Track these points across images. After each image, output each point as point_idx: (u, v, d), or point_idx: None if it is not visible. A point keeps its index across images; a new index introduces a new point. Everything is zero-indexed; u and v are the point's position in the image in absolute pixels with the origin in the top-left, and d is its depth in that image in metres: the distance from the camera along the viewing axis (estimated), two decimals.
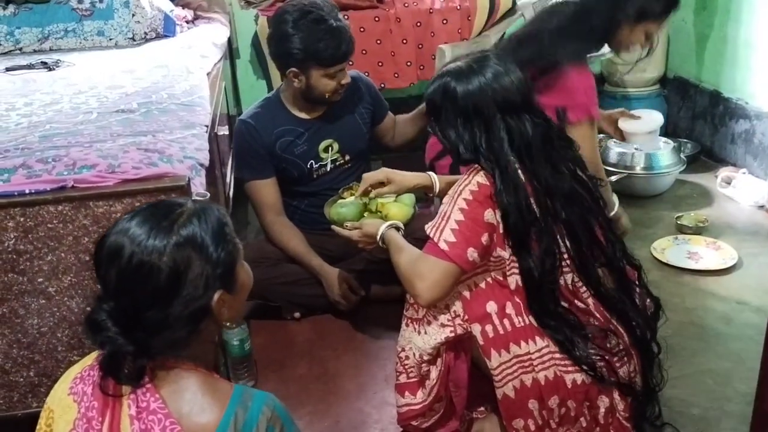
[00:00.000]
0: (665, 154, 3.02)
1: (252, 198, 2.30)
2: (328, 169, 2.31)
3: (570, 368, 1.47)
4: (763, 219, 2.76)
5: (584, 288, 1.52)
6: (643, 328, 1.54)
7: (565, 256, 1.49)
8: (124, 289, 1.01)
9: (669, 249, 2.54)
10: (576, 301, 1.50)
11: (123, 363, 1.02)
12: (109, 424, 1.01)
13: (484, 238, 1.45)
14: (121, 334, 1.00)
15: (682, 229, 2.69)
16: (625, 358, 1.51)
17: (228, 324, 1.12)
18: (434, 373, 1.56)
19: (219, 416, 1.01)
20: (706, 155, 3.37)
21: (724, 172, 3.06)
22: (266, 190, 2.27)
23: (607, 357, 1.48)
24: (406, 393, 1.61)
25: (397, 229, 1.68)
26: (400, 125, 2.46)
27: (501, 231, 1.46)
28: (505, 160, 1.45)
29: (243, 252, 1.13)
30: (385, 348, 2.05)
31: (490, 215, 1.45)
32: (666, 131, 3.54)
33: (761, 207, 2.81)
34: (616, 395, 1.50)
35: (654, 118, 2.53)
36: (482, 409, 1.68)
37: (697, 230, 2.66)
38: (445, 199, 1.53)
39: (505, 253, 1.47)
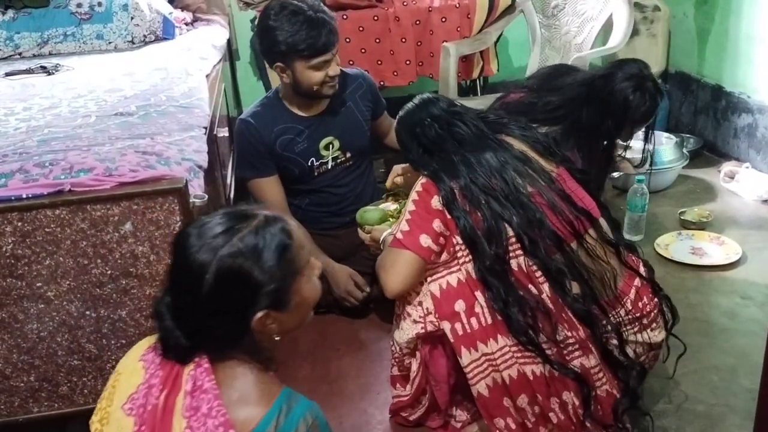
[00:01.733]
0: (668, 149, 3.00)
1: (255, 197, 2.30)
2: (329, 166, 2.30)
3: (528, 359, 1.48)
4: (766, 213, 2.74)
5: (539, 273, 1.51)
6: (586, 307, 1.50)
7: (512, 240, 1.49)
8: (178, 283, 1.08)
9: (672, 245, 2.52)
10: (530, 285, 1.50)
11: (180, 349, 1.07)
12: (167, 394, 1.05)
13: (436, 224, 1.52)
14: (177, 327, 1.07)
15: (685, 225, 2.67)
16: (578, 353, 1.50)
17: (278, 338, 1.13)
18: (415, 366, 1.64)
19: (263, 412, 1.04)
20: (709, 150, 3.35)
21: (727, 166, 3.05)
22: (269, 188, 2.27)
23: (555, 348, 1.48)
24: (397, 385, 1.70)
25: None
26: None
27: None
28: (442, 155, 1.58)
29: (315, 266, 1.17)
30: (388, 349, 2.02)
31: (437, 201, 1.52)
32: (668, 126, 3.53)
33: (765, 201, 2.80)
34: (572, 391, 1.49)
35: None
36: (466, 418, 1.69)
37: (701, 225, 2.64)
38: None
39: (460, 239, 1.52)
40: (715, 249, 2.48)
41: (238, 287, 1.05)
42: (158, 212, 1.42)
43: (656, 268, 1.78)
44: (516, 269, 1.49)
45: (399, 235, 1.55)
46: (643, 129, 2.24)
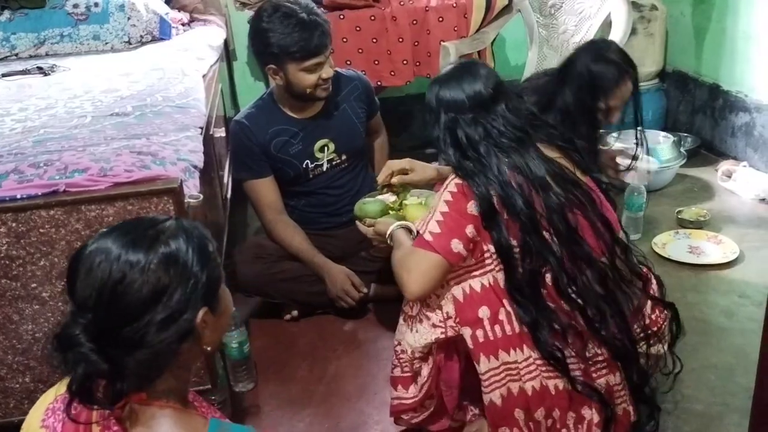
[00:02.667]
0: (665, 148, 3.01)
1: (251, 198, 2.30)
2: (324, 168, 2.30)
3: (552, 374, 1.45)
4: (764, 212, 2.74)
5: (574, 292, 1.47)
6: (623, 344, 1.47)
7: (550, 246, 1.44)
8: (102, 304, 0.96)
9: (670, 244, 2.52)
10: (562, 302, 1.46)
11: (95, 385, 0.96)
12: None
13: (469, 230, 1.44)
14: (96, 351, 0.94)
15: (683, 224, 2.67)
16: (605, 370, 1.47)
17: (208, 349, 1.08)
18: (425, 371, 1.56)
19: None
20: (707, 149, 3.35)
21: (725, 165, 3.04)
22: (265, 189, 2.26)
23: (582, 365, 1.45)
24: (399, 386, 1.62)
25: (409, 230, 1.67)
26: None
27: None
28: (480, 152, 1.48)
29: (224, 276, 1.10)
30: (386, 348, 2.04)
31: (473, 207, 1.45)
32: (666, 125, 3.53)
33: (762, 200, 2.80)
34: (593, 408, 1.47)
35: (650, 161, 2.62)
36: (474, 412, 1.66)
37: (698, 224, 2.64)
38: (436, 196, 1.55)
39: (492, 247, 1.46)
40: (712, 248, 2.48)
41: (179, 290, 0.99)
42: (153, 212, 1.42)
43: (654, 268, 1.78)
44: (550, 284, 1.45)
45: (428, 237, 1.45)
46: (634, 125, 2.24)
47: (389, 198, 1.92)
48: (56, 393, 1.06)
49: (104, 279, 0.96)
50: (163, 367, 1.00)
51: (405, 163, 1.91)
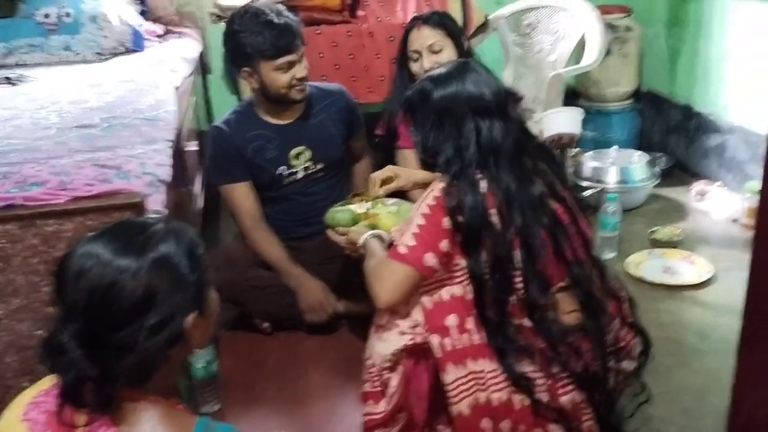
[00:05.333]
0: (639, 167, 3.01)
1: (229, 203, 2.28)
2: (299, 176, 2.28)
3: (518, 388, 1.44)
4: (737, 232, 2.75)
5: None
6: (592, 374, 1.46)
7: (519, 269, 1.45)
8: (93, 309, 0.96)
9: (644, 263, 2.52)
10: (525, 320, 1.46)
11: (84, 390, 0.96)
12: None
13: (443, 244, 1.45)
14: (86, 357, 0.94)
15: (656, 243, 2.67)
16: (571, 386, 1.46)
17: (197, 350, 1.08)
18: (394, 381, 1.54)
19: None
20: (680, 169, 3.37)
21: (698, 185, 3.06)
22: (243, 194, 2.25)
23: (549, 381, 1.44)
24: (369, 401, 1.60)
25: (382, 239, 1.66)
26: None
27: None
28: (468, 159, 1.47)
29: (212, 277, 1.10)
30: (357, 368, 1.96)
31: (449, 222, 1.45)
32: (640, 145, 3.55)
33: (735, 221, 2.81)
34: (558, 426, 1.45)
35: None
36: (441, 427, 1.63)
37: (672, 244, 2.64)
38: (415, 205, 1.55)
39: (463, 262, 1.46)
40: (686, 268, 2.48)
41: (169, 294, 0.98)
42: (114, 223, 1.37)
43: (627, 287, 1.76)
44: (513, 300, 1.45)
45: (402, 249, 1.46)
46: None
47: (360, 208, 1.90)
48: (37, 391, 1.04)
49: (95, 284, 0.96)
50: (152, 370, 1.01)
51: (388, 171, 1.91)
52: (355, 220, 1.84)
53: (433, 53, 2.26)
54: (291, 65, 2.11)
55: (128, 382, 0.98)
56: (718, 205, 2.89)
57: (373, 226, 1.77)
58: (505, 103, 1.53)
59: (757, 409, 1.12)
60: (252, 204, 2.26)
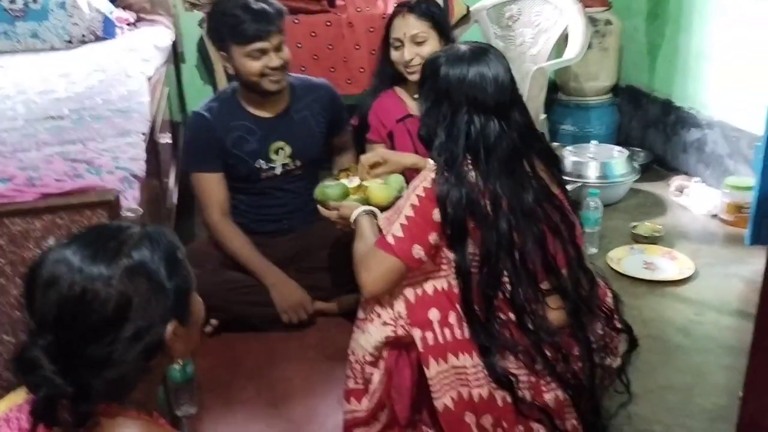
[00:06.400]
0: (619, 163, 3.01)
1: (198, 191, 2.21)
2: (278, 172, 2.22)
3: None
4: (716, 228, 2.76)
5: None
6: (577, 382, 1.45)
7: (508, 267, 1.43)
8: (64, 321, 0.89)
9: (625, 259, 2.51)
10: (511, 315, 1.44)
11: (59, 407, 0.89)
12: None
13: (432, 237, 1.44)
14: (59, 373, 0.88)
15: (637, 239, 2.66)
16: (555, 384, 1.45)
17: (180, 361, 1.02)
18: (377, 377, 1.53)
19: None
20: (659, 164, 3.38)
21: (677, 181, 3.06)
22: (215, 185, 2.19)
23: (532, 378, 1.43)
24: (352, 399, 1.58)
25: (375, 215, 1.65)
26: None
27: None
28: (456, 152, 1.44)
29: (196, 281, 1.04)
30: (337, 367, 1.93)
31: (438, 214, 1.43)
32: (618, 139, 3.55)
33: (714, 216, 2.81)
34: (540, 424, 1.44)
35: None
36: (425, 428, 1.60)
37: (653, 239, 2.64)
38: (405, 191, 1.53)
39: (451, 255, 1.45)
40: (667, 263, 2.47)
41: (146, 303, 0.92)
42: (85, 227, 1.29)
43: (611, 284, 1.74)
44: (500, 296, 1.43)
45: (390, 239, 1.44)
46: None
47: (352, 182, 1.87)
48: (8, 405, 0.97)
49: (65, 295, 0.89)
50: (131, 384, 0.95)
51: (377, 156, 1.91)
52: (346, 194, 1.82)
53: (416, 44, 2.20)
54: (263, 53, 2.05)
55: (106, 396, 0.92)
56: (697, 200, 2.90)
57: (364, 200, 1.75)
58: (508, 104, 1.48)
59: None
60: (223, 196, 2.20)
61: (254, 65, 2.06)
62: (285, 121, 2.20)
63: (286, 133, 2.20)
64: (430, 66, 1.54)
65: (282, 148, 2.20)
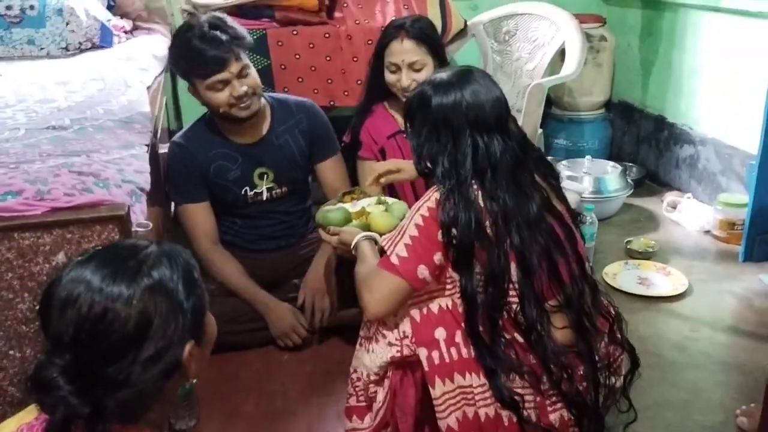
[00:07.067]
0: (613, 178, 3.04)
1: (185, 224, 2.18)
2: (264, 198, 2.21)
3: None
4: (709, 244, 2.79)
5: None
6: (583, 400, 1.45)
7: (514, 285, 1.43)
8: (83, 341, 0.89)
9: (620, 274, 2.53)
10: (516, 335, 1.44)
11: (73, 427, 0.89)
12: None
13: (437, 257, 1.42)
14: (76, 393, 0.87)
15: (631, 254, 2.69)
16: (560, 404, 1.45)
17: (194, 381, 1.01)
18: (381, 395, 1.52)
19: None
20: (651, 179, 3.42)
21: (670, 196, 3.10)
22: (201, 215, 2.16)
23: (538, 398, 1.43)
24: (354, 417, 1.57)
25: (375, 241, 1.63)
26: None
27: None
28: (464, 175, 1.43)
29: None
30: (336, 381, 1.94)
31: (442, 236, 1.41)
32: (611, 155, 3.59)
33: (707, 232, 2.84)
34: None
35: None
36: None
37: (647, 255, 2.67)
38: (408, 213, 1.51)
39: (456, 275, 1.44)
40: (661, 279, 2.50)
41: (165, 323, 0.93)
42: (96, 242, 1.28)
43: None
44: (504, 315, 1.42)
45: (394, 259, 1.42)
46: None
47: (355, 206, 1.85)
48: (18, 424, 0.96)
49: (84, 314, 0.89)
50: (147, 405, 0.95)
51: (390, 165, 1.90)
52: (348, 220, 1.79)
53: (414, 71, 2.18)
54: (225, 83, 2.01)
55: (121, 417, 0.91)
56: (690, 216, 2.93)
57: (365, 226, 1.73)
58: (505, 117, 1.50)
59: None
60: (211, 226, 2.17)
61: (219, 97, 2.02)
62: (265, 147, 2.17)
63: (268, 159, 2.18)
64: (418, 100, 1.52)
65: (266, 173, 2.19)
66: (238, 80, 2.02)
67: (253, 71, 2.08)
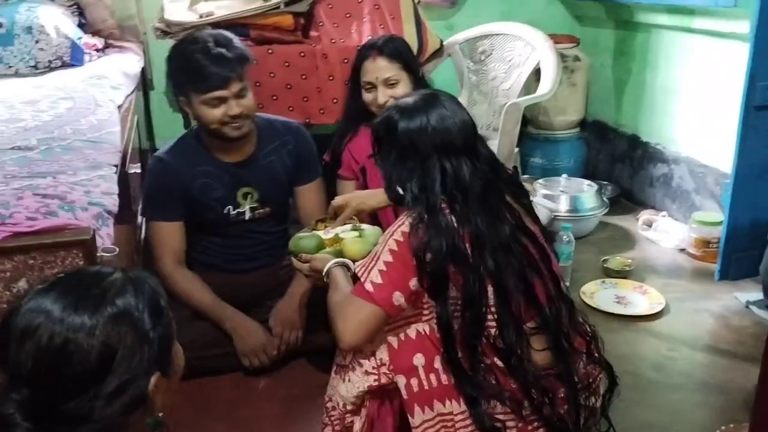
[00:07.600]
0: (589, 196, 3.05)
1: (154, 240, 2.14)
2: (247, 217, 2.17)
3: None
4: (684, 262, 2.80)
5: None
6: (564, 425, 1.43)
7: (491, 310, 1.40)
8: (42, 375, 0.85)
9: (597, 293, 2.52)
10: (496, 359, 1.41)
11: None
12: None
13: (412, 283, 1.39)
14: (34, 430, 0.83)
15: (608, 273, 2.69)
16: (541, 429, 1.43)
17: (160, 414, 0.97)
18: (358, 425, 1.48)
19: None
20: (626, 198, 3.44)
21: (645, 215, 3.11)
22: (171, 234, 2.12)
23: (520, 424, 1.40)
24: None
25: (349, 268, 1.59)
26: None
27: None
28: (433, 200, 1.40)
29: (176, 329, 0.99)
30: (310, 405, 1.89)
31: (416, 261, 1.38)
32: (586, 173, 3.60)
33: (682, 250, 2.86)
34: None
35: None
36: None
37: (623, 274, 2.67)
38: (380, 239, 1.48)
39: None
40: (638, 298, 2.50)
41: (129, 354, 0.88)
42: (59, 268, 1.23)
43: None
44: (484, 340, 1.40)
45: (369, 286, 1.38)
46: None
47: (327, 234, 1.82)
48: None
49: (43, 346, 0.84)
50: None
51: (340, 200, 1.88)
52: (320, 246, 1.75)
53: (389, 86, 2.20)
54: (222, 101, 1.99)
55: None
56: (665, 234, 2.94)
57: (338, 253, 1.69)
58: (473, 140, 1.48)
59: None
60: (179, 246, 2.13)
61: (213, 113, 1.99)
62: (251, 167, 2.15)
63: (253, 179, 2.15)
64: (384, 125, 1.50)
65: (250, 194, 2.16)
66: (235, 100, 2.00)
67: (250, 94, 2.06)
